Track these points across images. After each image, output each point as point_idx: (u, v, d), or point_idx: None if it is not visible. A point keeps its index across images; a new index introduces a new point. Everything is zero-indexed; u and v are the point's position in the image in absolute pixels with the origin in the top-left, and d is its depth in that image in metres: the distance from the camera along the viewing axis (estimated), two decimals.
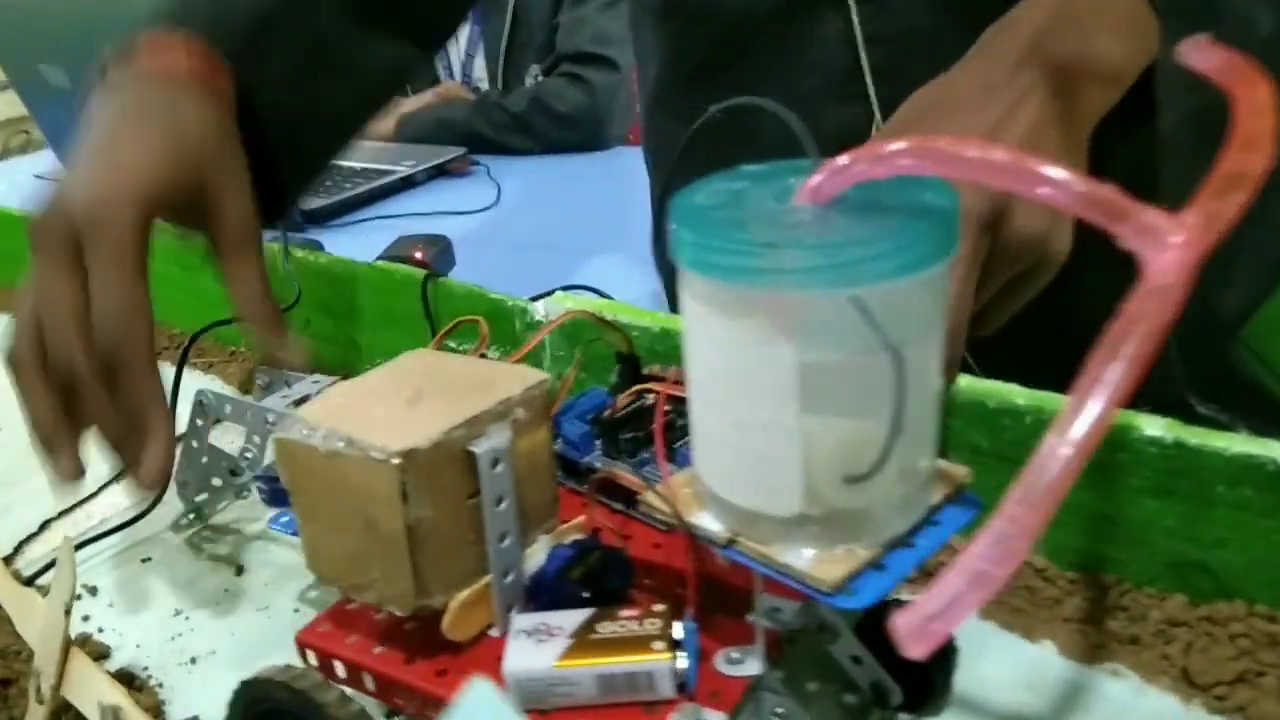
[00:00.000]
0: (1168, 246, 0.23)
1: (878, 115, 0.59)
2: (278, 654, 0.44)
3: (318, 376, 0.47)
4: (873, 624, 0.37)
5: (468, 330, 0.57)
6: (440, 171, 1.22)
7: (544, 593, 0.35)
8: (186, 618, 0.47)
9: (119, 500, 0.57)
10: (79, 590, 0.50)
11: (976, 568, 0.21)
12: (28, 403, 0.46)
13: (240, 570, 0.50)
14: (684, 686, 0.32)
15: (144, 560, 0.52)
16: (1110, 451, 0.41)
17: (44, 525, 0.56)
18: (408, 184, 1.19)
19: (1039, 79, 0.45)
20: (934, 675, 0.38)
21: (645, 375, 0.46)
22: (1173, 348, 0.56)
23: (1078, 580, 0.43)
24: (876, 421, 0.28)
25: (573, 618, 0.33)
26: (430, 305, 0.58)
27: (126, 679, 0.42)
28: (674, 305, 0.77)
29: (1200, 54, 0.28)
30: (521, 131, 1.29)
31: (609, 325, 0.46)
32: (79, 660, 0.39)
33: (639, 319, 0.51)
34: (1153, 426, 0.40)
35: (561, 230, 1.06)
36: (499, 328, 0.57)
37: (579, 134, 1.31)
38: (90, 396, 0.45)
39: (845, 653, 0.37)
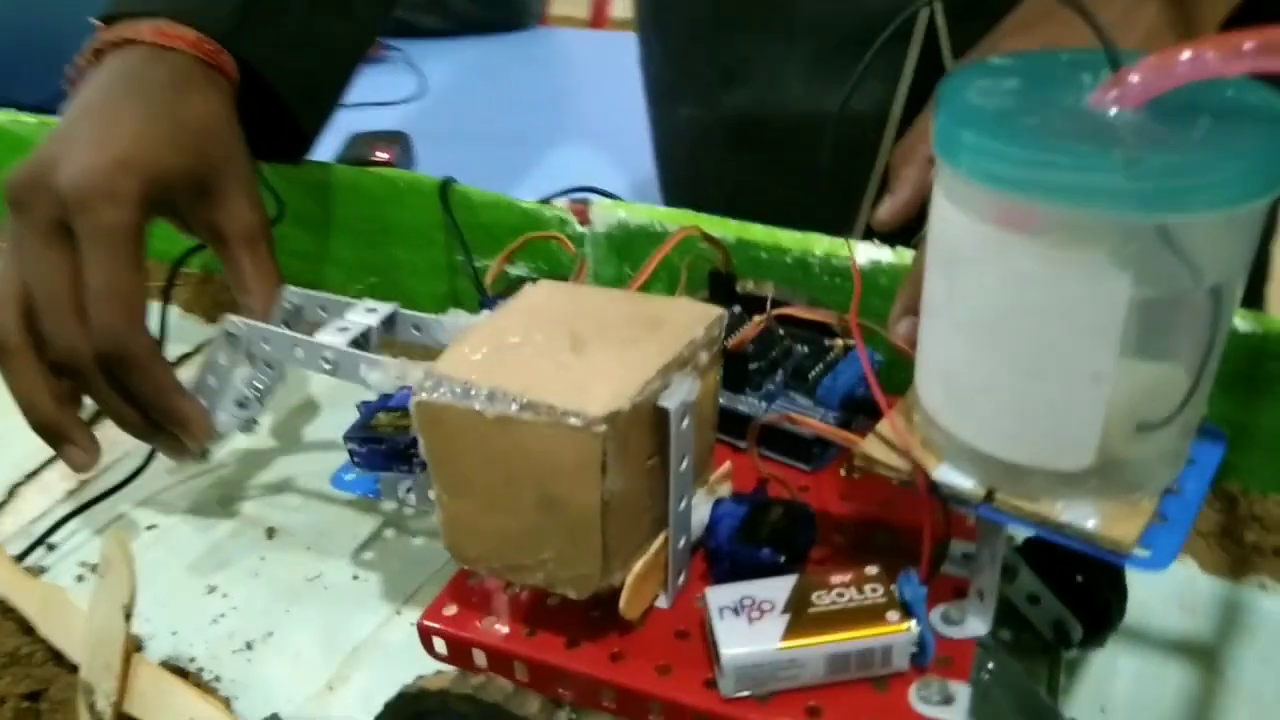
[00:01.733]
0: None
1: None
2: (349, 632, 0.39)
3: (368, 303, 0.40)
4: (1043, 561, 0.35)
5: (483, 247, 0.51)
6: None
7: (723, 558, 0.31)
8: (225, 595, 0.41)
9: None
10: (79, 571, 0.42)
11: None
12: (23, 390, 0.41)
13: (271, 533, 0.44)
14: (921, 657, 0.28)
15: (150, 527, 0.45)
16: (1249, 360, 0.39)
17: (11, 492, 0.47)
18: None
19: None
20: (1111, 604, 0.36)
21: (741, 295, 0.42)
22: None
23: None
24: (1183, 366, 0.25)
25: (775, 588, 0.29)
26: (451, 216, 0.51)
27: (177, 676, 0.36)
28: (673, 203, 0.72)
29: None
30: (433, 10, 1.18)
31: (713, 241, 0.41)
32: (147, 670, 0.32)
33: (716, 229, 0.46)
34: None
35: (506, 120, 0.98)
36: (532, 242, 0.51)
37: (495, 11, 1.20)
38: (101, 390, 0.41)
39: (1023, 593, 0.35)
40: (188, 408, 0.41)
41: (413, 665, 0.31)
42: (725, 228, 0.46)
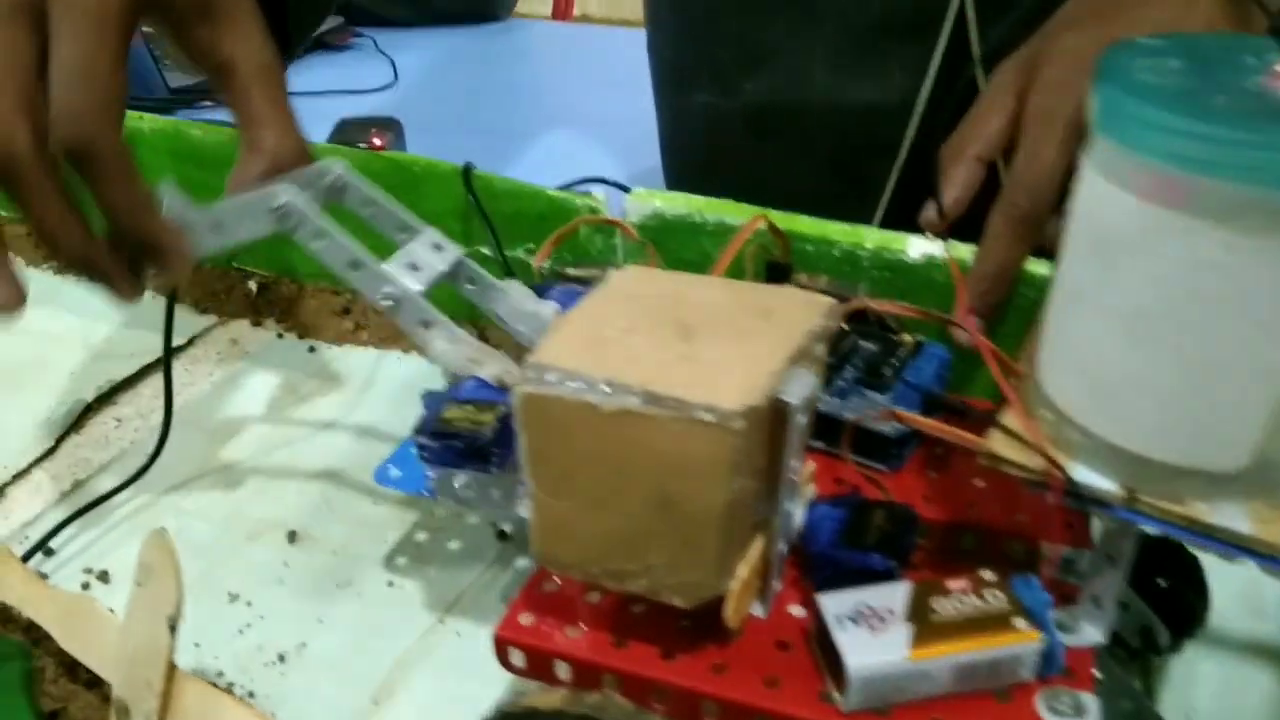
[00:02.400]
0: None
1: None
2: (389, 643, 0.36)
3: (430, 234, 0.36)
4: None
5: (505, 237, 0.48)
6: (319, 44, 1.07)
7: (825, 564, 0.29)
8: (249, 603, 0.38)
9: (88, 454, 0.46)
10: (84, 578, 0.39)
11: None
12: None
13: (294, 536, 0.41)
14: (1051, 666, 0.27)
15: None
16: None
17: (0, 492, 0.44)
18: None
19: None
20: (1195, 607, 0.35)
21: (798, 288, 0.40)
22: None
23: None
24: None
25: (891, 595, 0.27)
26: (478, 202, 0.48)
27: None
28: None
29: None
30: (406, 1, 1.14)
31: (776, 232, 0.39)
32: (193, 687, 0.29)
33: (738, 217, 0.44)
34: None
35: (482, 110, 0.95)
36: (553, 229, 0.48)
37: (467, 3, 1.17)
38: (44, 195, 0.33)
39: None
40: (163, 231, 0.35)
41: (464, 678, 0.29)
42: (773, 217, 0.44)
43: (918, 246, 0.42)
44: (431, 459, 0.31)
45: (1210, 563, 0.38)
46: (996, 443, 0.27)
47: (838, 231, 0.43)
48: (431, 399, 0.32)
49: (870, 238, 0.43)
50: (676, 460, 0.25)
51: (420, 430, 0.31)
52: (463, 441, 0.30)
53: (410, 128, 0.84)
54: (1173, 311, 0.23)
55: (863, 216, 0.61)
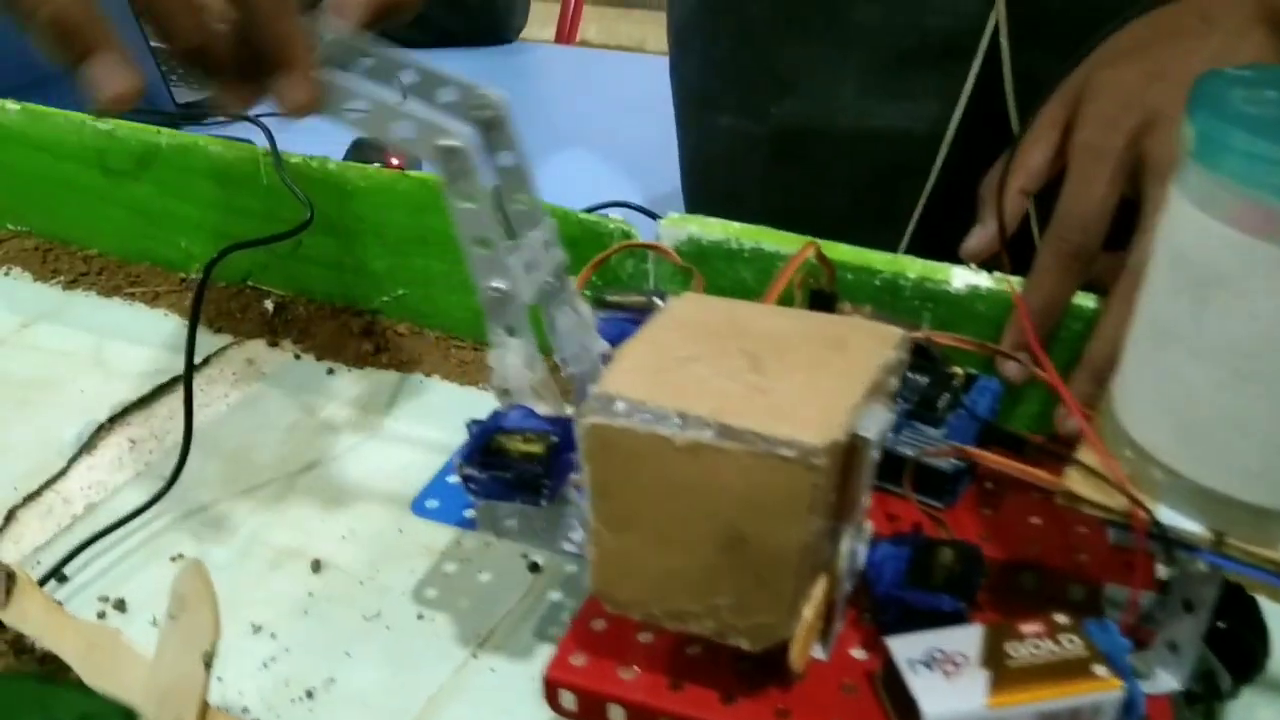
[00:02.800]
0: None
1: (1001, 10, 0.53)
2: (422, 679, 0.35)
3: (549, 231, 0.34)
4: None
5: None
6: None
7: (890, 605, 0.28)
8: (273, 635, 0.37)
9: (101, 477, 0.44)
10: (99, 606, 0.38)
11: None
12: None
13: (318, 565, 0.40)
14: (1133, 715, 0.26)
15: (174, 558, 0.40)
16: None
17: (9, 516, 0.42)
18: None
19: (1258, 13, 0.41)
20: (1256, 650, 0.34)
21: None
22: None
23: None
24: None
25: (963, 639, 0.26)
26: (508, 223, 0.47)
27: None
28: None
29: None
30: (415, 22, 1.14)
31: (823, 260, 0.38)
32: None
33: (777, 244, 0.43)
34: None
35: None
36: (586, 254, 0.48)
37: (478, 25, 1.17)
38: None
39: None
40: (300, 37, 0.31)
41: (500, 716, 0.28)
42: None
43: (961, 277, 0.41)
44: (479, 491, 0.30)
45: (1267, 604, 0.38)
46: (1075, 481, 0.26)
47: (879, 260, 0.42)
48: (478, 427, 0.31)
49: (912, 267, 0.42)
50: (752, 497, 0.24)
51: (467, 461, 0.30)
52: (513, 473, 0.29)
53: None
54: (1273, 350, 0.22)
55: (888, 242, 0.60)
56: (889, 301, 0.42)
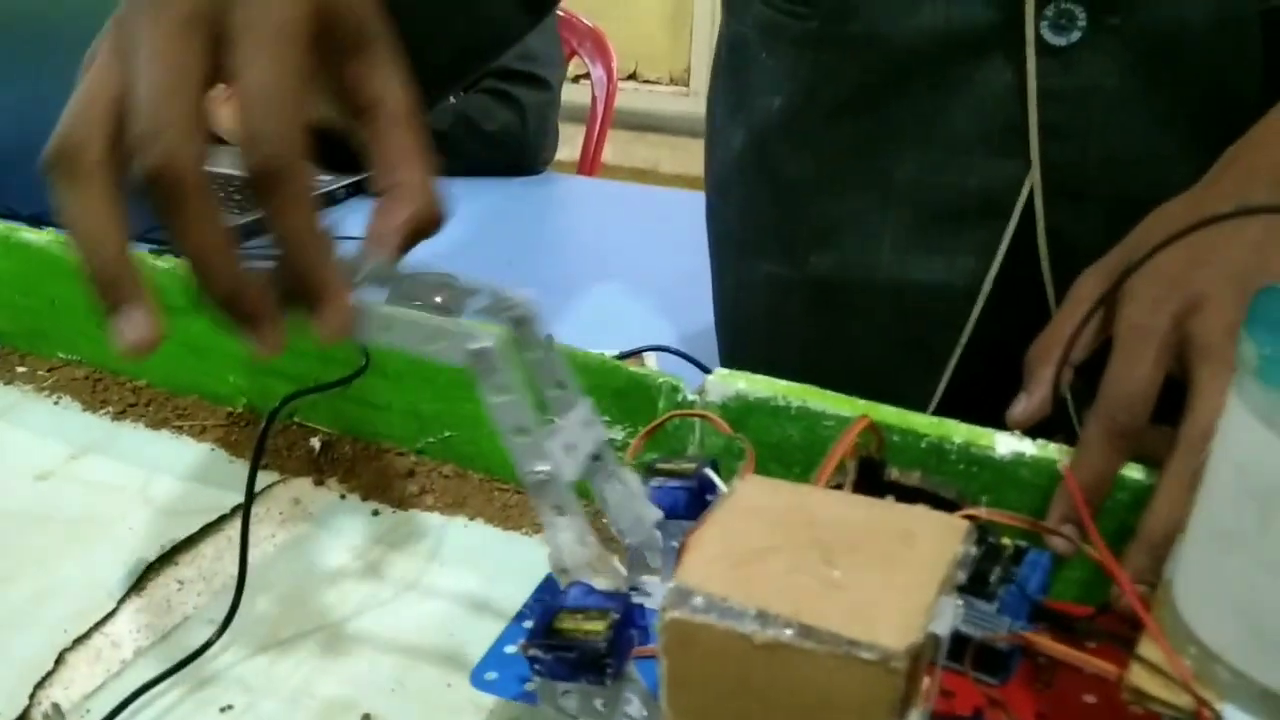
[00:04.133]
0: None
1: (1036, 174, 0.55)
2: None
3: (585, 411, 0.36)
4: None
5: None
6: (358, 189, 1.10)
7: None
8: None
9: (150, 619, 0.45)
10: None
11: None
12: (88, 224, 0.32)
13: (368, 719, 0.40)
14: None
15: (224, 709, 0.40)
16: None
17: (59, 659, 0.42)
18: (328, 200, 1.06)
19: None
20: None
21: (893, 483, 0.40)
22: None
23: None
24: None
25: None
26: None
27: None
28: (737, 363, 0.71)
29: None
30: (445, 150, 1.18)
31: (873, 428, 0.39)
32: None
33: (842, 408, 0.44)
34: None
35: (524, 265, 0.97)
36: (632, 407, 0.49)
37: (507, 156, 1.21)
38: (205, 219, 0.31)
39: None
40: (336, 272, 0.32)
41: None
42: (854, 407, 0.44)
43: (1006, 443, 0.42)
44: (544, 671, 0.30)
45: None
46: (1139, 677, 0.27)
47: (924, 424, 0.43)
48: (540, 607, 0.32)
49: (958, 431, 0.43)
50: (831, 698, 0.24)
51: (532, 641, 0.30)
52: (576, 652, 0.29)
53: None
54: None
55: (923, 396, 0.62)
56: (934, 466, 0.43)
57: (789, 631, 0.24)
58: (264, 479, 0.54)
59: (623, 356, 0.60)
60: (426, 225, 0.36)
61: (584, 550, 0.32)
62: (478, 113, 1.20)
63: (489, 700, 0.40)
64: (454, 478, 0.54)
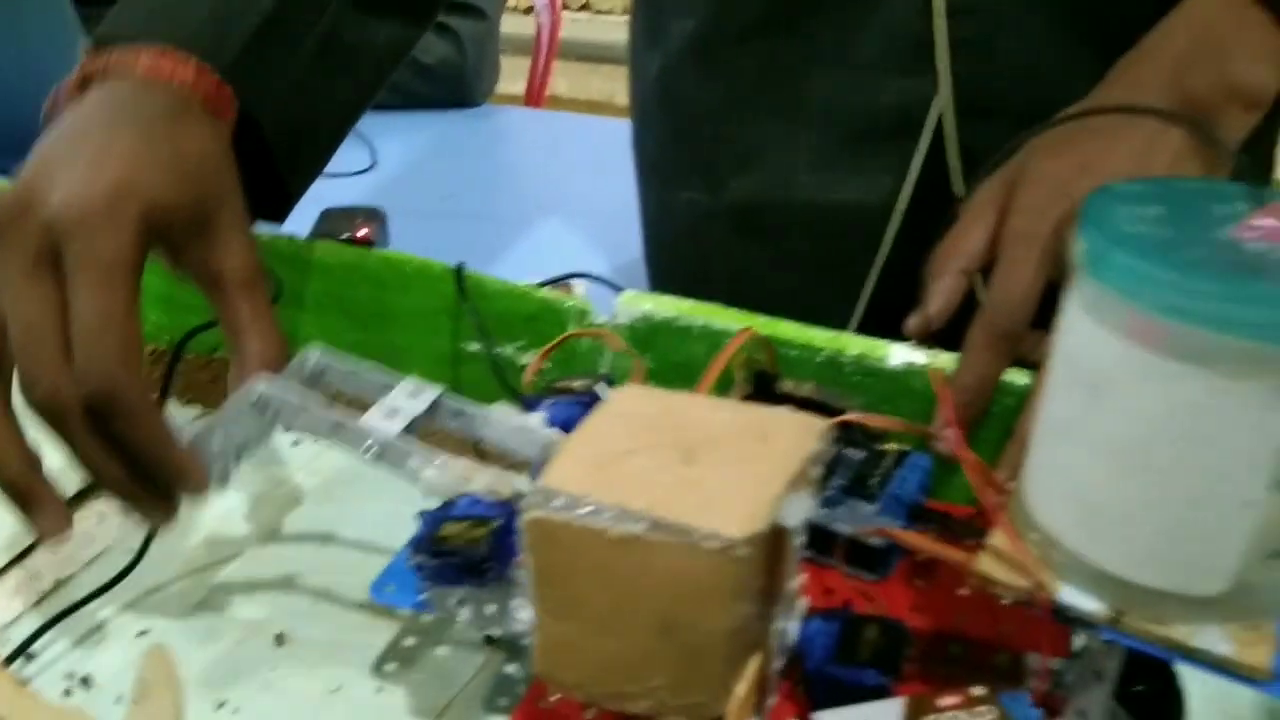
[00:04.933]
0: None
1: (943, 90, 0.55)
2: None
3: (407, 383, 0.38)
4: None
5: (504, 333, 0.49)
6: None
7: (822, 681, 0.30)
8: (236, 709, 0.38)
9: (70, 550, 0.45)
10: (65, 684, 0.39)
11: None
12: None
13: (281, 639, 0.41)
14: None
15: (141, 634, 0.41)
16: None
17: None
18: None
19: (1178, 109, 0.44)
20: (1171, 713, 0.35)
21: (785, 394, 0.41)
22: None
23: None
24: None
25: (884, 713, 0.28)
26: (471, 303, 0.49)
27: None
28: (666, 287, 0.71)
29: None
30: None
31: (763, 341, 0.40)
32: None
33: (726, 321, 0.45)
34: None
35: (461, 196, 0.97)
36: (543, 330, 0.49)
37: (446, 88, 1.20)
38: (84, 440, 0.37)
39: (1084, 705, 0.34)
40: (184, 459, 0.38)
41: None
42: (754, 323, 0.45)
43: (899, 354, 0.43)
44: (428, 576, 0.32)
45: (1187, 669, 0.40)
46: (985, 563, 0.28)
47: (821, 338, 0.45)
48: (428, 516, 0.33)
49: (853, 345, 0.44)
50: (681, 586, 0.25)
51: (417, 549, 0.31)
52: (459, 558, 0.31)
53: (391, 214, 0.86)
54: (1157, 447, 0.24)
55: (845, 314, 0.63)
56: (831, 378, 0.44)
57: (641, 525, 0.25)
58: (189, 413, 0.55)
59: (547, 284, 0.61)
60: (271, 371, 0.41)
61: (446, 472, 0.33)
62: (416, 47, 1.18)
63: (401, 617, 0.42)
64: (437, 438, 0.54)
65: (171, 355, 0.46)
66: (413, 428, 0.36)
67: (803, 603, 0.32)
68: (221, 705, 0.38)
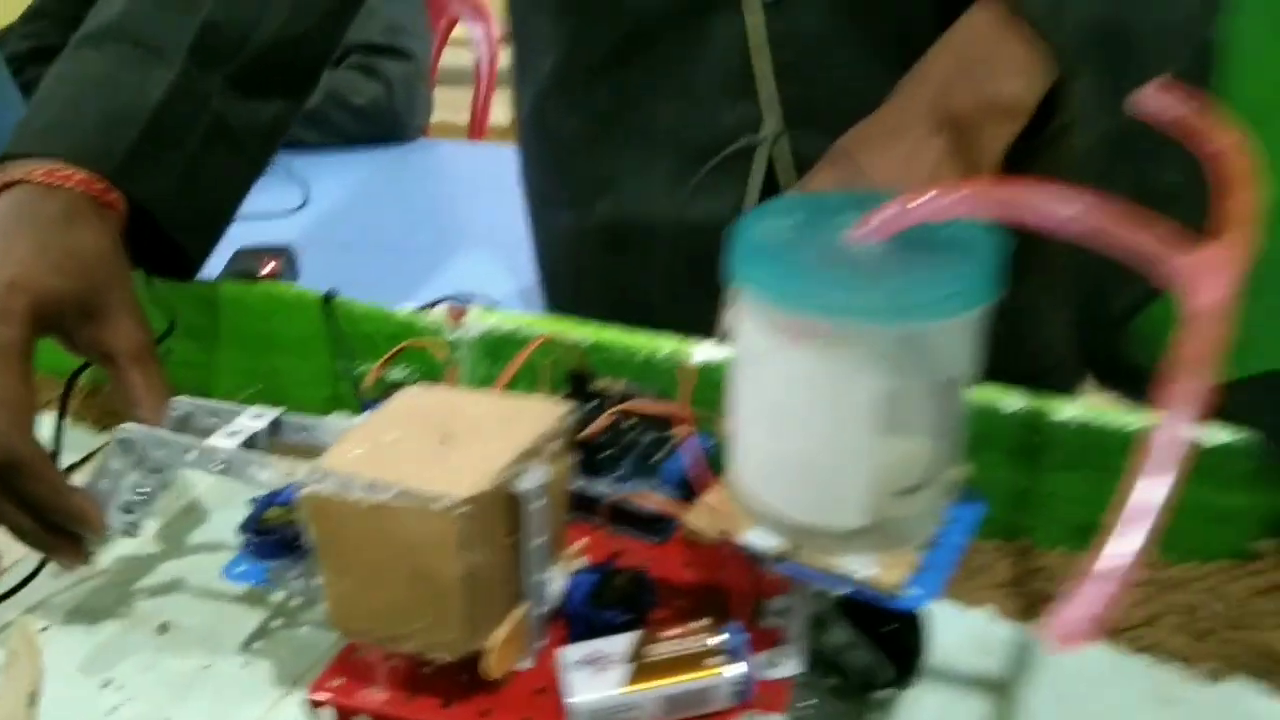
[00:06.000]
0: (1213, 276, 0.26)
1: (772, 114, 0.62)
2: (240, 716, 0.42)
3: (254, 409, 0.44)
4: (858, 614, 0.40)
5: (365, 355, 0.55)
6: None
7: (578, 621, 0.36)
8: (120, 688, 0.43)
9: None
10: None
11: (1103, 577, 0.24)
12: None
13: (164, 628, 0.47)
14: (743, 695, 0.33)
15: (42, 629, 0.47)
16: (1029, 434, 0.46)
17: None
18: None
19: (942, 123, 0.50)
20: (914, 647, 0.41)
21: (596, 390, 0.47)
22: (1071, 338, 0.63)
23: (1000, 547, 0.48)
24: (928, 440, 0.31)
25: (619, 643, 0.34)
26: (337, 327, 0.56)
27: None
28: (554, 304, 0.78)
29: (1159, 99, 0.33)
30: (316, 126, 1.23)
31: (568, 347, 0.46)
32: None
33: (573, 332, 0.51)
34: (1066, 410, 0.46)
35: (388, 229, 1.03)
36: (410, 348, 0.56)
37: (376, 128, 1.26)
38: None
39: (839, 643, 0.40)
40: (81, 503, 0.44)
41: None
42: (584, 331, 0.51)
43: (700, 353, 0.50)
44: (254, 553, 0.38)
45: (945, 610, 0.45)
46: (693, 516, 0.34)
47: (637, 341, 0.51)
48: (258, 503, 0.39)
49: (665, 345, 0.50)
50: (421, 541, 0.31)
51: (244, 528, 0.37)
52: (276, 535, 0.37)
53: (319, 248, 0.92)
54: (790, 408, 0.30)
55: (710, 324, 0.69)
56: (648, 375, 0.51)
57: (388, 495, 0.31)
58: (102, 439, 0.61)
59: (426, 307, 0.67)
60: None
61: (273, 472, 0.39)
62: (345, 88, 1.24)
63: (266, 610, 0.47)
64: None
65: (66, 382, 0.52)
66: (254, 443, 0.43)
67: (581, 561, 0.38)
68: (106, 684, 0.44)
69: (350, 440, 0.34)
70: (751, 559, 0.33)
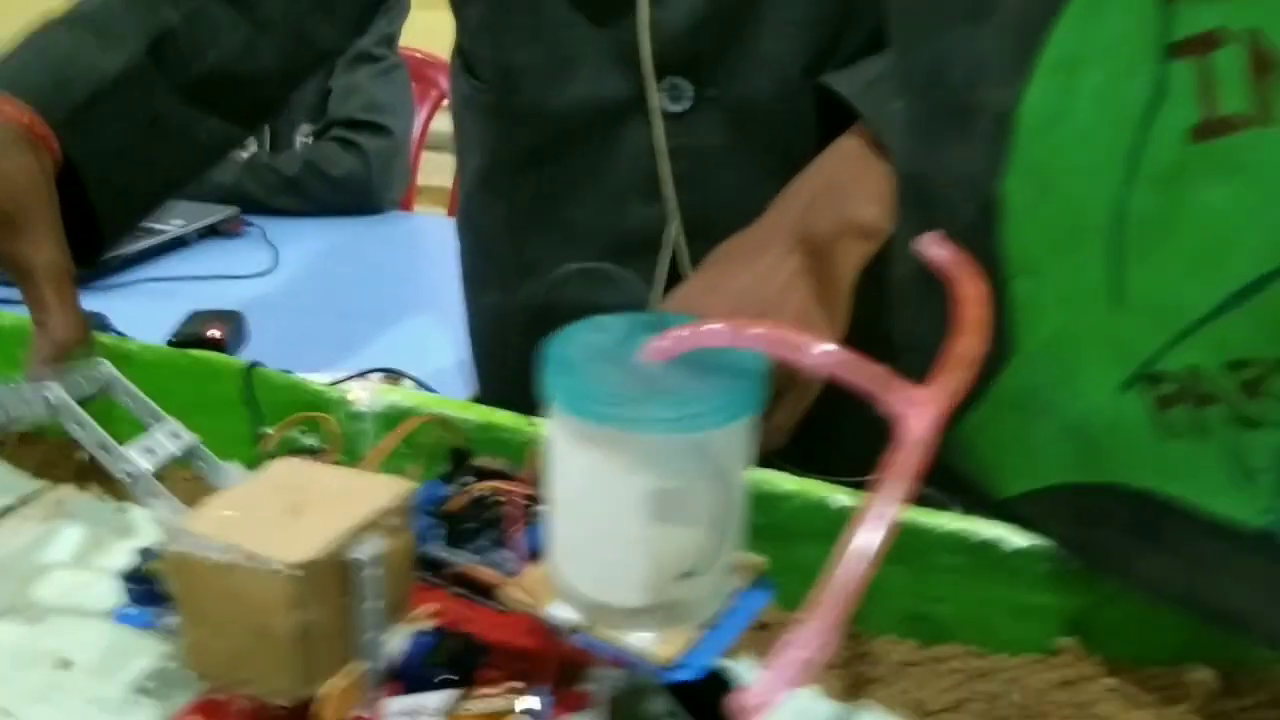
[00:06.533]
0: (921, 412, 0.32)
1: (674, 216, 0.68)
2: None
3: (173, 425, 0.50)
4: (684, 687, 0.45)
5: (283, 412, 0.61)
6: (212, 231, 1.21)
7: (409, 678, 0.40)
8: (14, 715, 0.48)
9: None
10: None
11: (800, 655, 0.29)
12: None
13: (67, 664, 0.51)
14: None
15: None
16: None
17: None
18: (178, 243, 1.17)
19: (801, 241, 0.56)
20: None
21: (475, 467, 0.52)
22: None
23: None
24: (705, 530, 0.36)
25: (437, 699, 0.39)
26: (253, 395, 0.61)
27: None
28: (483, 377, 0.83)
29: (934, 247, 0.38)
30: (294, 194, 1.30)
31: (448, 425, 0.51)
32: None
33: (463, 412, 0.57)
34: None
35: (349, 297, 1.09)
36: (311, 419, 0.61)
37: (353, 199, 1.33)
38: None
39: (654, 710, 0.45)
40: None
41: None
42: (471, 412, 0.57)
43: None
44: (136, 599, 0.42)
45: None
46: (508, 590, 0.39)
47: (517, 421, 0.56)
48: (145, 554, 0.44)
49: (537, 426, 0.55)
50: (261, 599, 0.36)
51: (128, 577, 0.42)
52: (154, 584, 0.41)
53: (279, 313, 0.98)
54: (576, 499, 0.36)
55: None
56: (523, 452, 0.55)
57: (238, 556, 0.36)
58: (35, 485, 0.66)
59: (358, 376, 0.72)
60: (68, 348, 0.53)
61: (176, 516, 0.44)
62: (324, 159, 1.32)
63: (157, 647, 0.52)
64: (192, 480, 0.65)
65: None
66: (165, 465, 0.47)
67: (428, 624, 0.43)
68: (8, 715, 0.48)
69: (218, 504, 0.39)
70: (552, 630, 0.38)
